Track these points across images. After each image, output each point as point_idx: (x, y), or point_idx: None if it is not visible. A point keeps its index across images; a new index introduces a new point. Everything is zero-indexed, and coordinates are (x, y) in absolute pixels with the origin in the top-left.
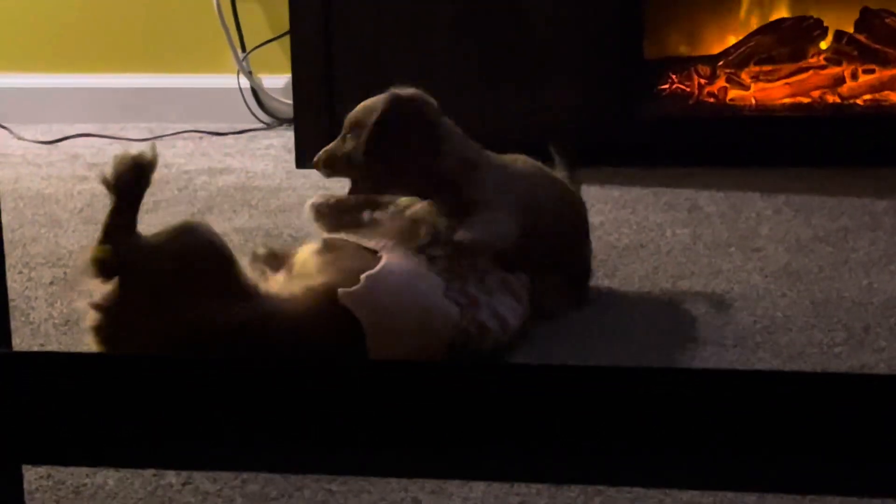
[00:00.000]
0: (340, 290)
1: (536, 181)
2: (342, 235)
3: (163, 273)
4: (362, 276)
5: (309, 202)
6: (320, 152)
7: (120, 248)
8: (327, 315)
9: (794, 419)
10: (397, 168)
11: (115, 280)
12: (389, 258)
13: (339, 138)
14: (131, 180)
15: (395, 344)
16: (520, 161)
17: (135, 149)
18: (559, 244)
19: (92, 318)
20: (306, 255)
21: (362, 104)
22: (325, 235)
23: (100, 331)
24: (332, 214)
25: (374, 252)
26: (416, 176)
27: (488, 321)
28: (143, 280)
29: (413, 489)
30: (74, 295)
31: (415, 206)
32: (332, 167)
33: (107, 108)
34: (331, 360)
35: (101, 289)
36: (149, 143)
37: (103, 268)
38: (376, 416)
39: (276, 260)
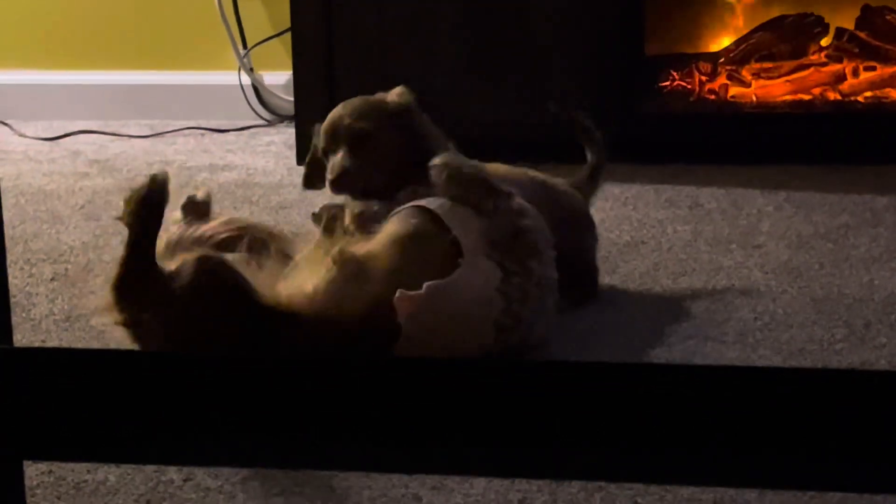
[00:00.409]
0: (400, 290)
1: (520, 187)
2: (448, 209)
3: (181, 313)
4: (425, 285)
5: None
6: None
7: (137, 286)
8: (365, 332)
9: (794, 416)
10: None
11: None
12: (466, 268)
13: (342, 156)
14: (146, 216)
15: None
16: (502, 168)
17: (142, 177)
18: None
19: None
20: (395, 228)
21: (340, 113)
22: (433, 205)
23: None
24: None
25: (458, 254)
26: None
27: (516, 340)
28: (161, 319)
29: (414, 485)
30: (75, 291)
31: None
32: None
33: (108, 104)
34: (332, 356)
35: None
36: (159, 171)
37: (119, 305)
38: (377, 413)
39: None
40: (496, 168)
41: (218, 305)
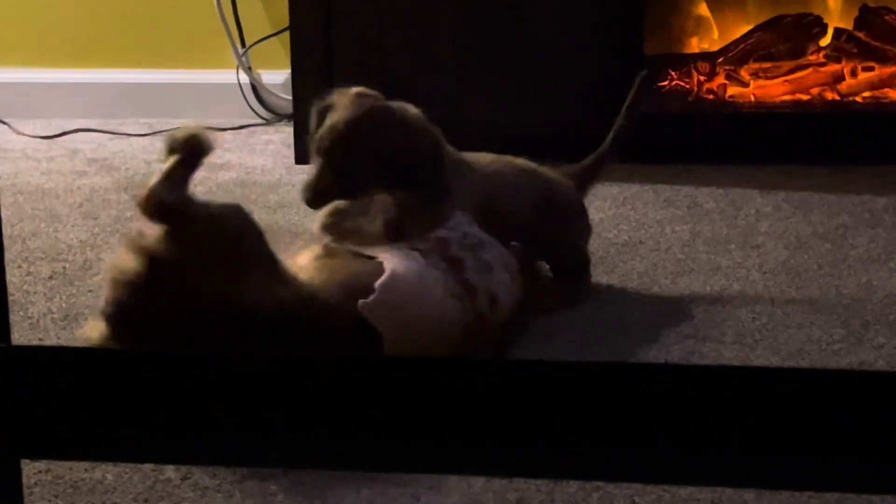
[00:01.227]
0: (360, 301)
1: (501, 175)
2: (343, 245)
3: (212, 238)
4: (375, 285)
5: (316, 225)
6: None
7: (174, 198)
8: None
9: (792, 416)
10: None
11: (147, 260)
12: (390, 262)
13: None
14: (196, 149)
15: (411, 351)
16: (487, 157)
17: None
18: (530, 240)
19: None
20: (305, 261)
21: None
22: (327, 243)
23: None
24: (335, 225)
25: (373, 258)
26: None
27: (486, 308)
28: (190, 240)
29: (413, 485)
30: (74, 290)
31: (377, 205)
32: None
33: (106, 103)
34: (330, 355)
35: (128, 265)
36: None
37: (156, 210)
38: (375, 412)
39: None
40: (482, 157)
41: (241, 243)
